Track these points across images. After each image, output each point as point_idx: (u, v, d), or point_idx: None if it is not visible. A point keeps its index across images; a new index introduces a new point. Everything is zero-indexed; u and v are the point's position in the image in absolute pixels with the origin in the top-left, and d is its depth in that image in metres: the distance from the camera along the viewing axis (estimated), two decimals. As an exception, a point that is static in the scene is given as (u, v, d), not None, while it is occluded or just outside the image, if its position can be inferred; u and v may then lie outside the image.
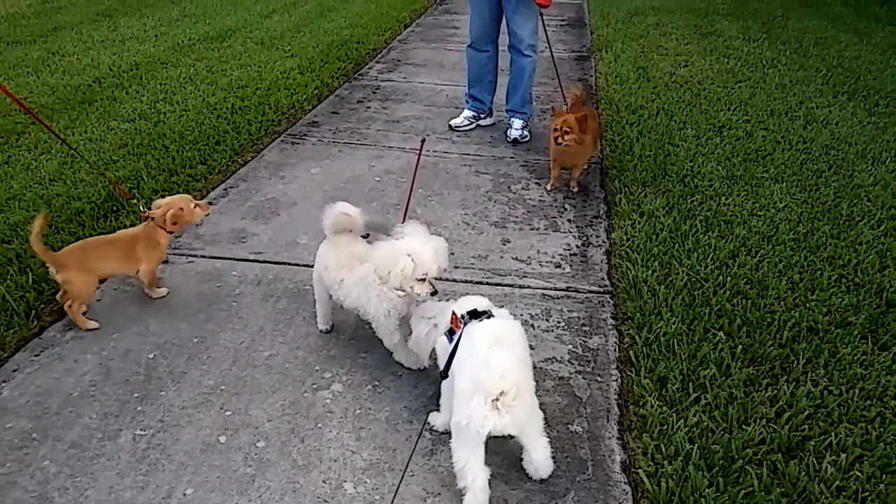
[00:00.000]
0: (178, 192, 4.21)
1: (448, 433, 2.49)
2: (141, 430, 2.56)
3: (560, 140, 4.21)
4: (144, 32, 8.06)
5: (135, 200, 3.36)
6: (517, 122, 5.35)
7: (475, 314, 2.39)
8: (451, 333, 2.44)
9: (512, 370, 2.13)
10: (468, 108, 5.59)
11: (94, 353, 2.93)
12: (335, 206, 2.89)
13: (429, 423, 2.60)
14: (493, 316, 2.40)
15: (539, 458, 2.32)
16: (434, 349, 2.58)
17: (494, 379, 2.08)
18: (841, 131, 5.47)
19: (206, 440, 2.51)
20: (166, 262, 3.60)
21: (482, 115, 5.60)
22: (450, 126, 5.55)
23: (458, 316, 2.40)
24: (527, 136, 5.35)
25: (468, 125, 5.56)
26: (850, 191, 4.46)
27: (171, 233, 3.19)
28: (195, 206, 3.26)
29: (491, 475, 2.26)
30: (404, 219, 2.88)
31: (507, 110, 5.46)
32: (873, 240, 3.86)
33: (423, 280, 2.58)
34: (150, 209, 3.19)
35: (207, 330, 3.10)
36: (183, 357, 2.93)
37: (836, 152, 5.07)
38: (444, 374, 2.41)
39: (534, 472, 2.37)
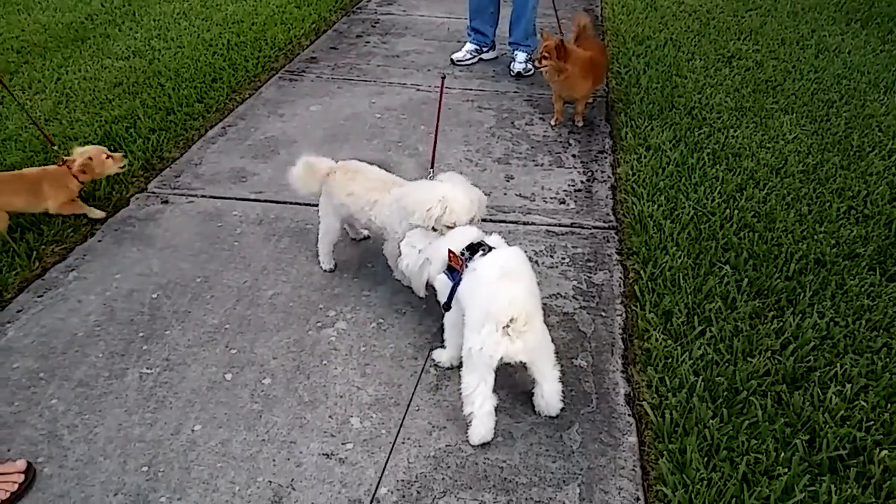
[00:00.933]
0: (175, 132, 4.16)
1: (453, 369, 2.51)
2: (147, 368, 2.57)
3: (537, 64, 4.17)
4: (135, -33, 7.80)
5: (55, 147, 3.47)
6: (521, 56, 5.20)
7: (473, 249, 2.37)
8: (450, 271, 2.42)
9: (521, 298, 2.16)
10: (470, 42, 5.43)
11: (97, 294, 2.93)
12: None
13: (433, 360, 2.60)
14: (489, 247, 2.39)
15: (550, 391, 2.33)
16: (428, 282, 2.59)
17: (504, 307, 2.11)
18: (853, 60, 5.32)
19: (212, 378, 2.53)
20: (166, 202, 3.56)
21: (485, 49, 5.44)
22: (451, 60, 5.40)
23: (458, 254, 2.37)
24: (531, 70, 5.20)
25: (470, 59, 5.41)
26: (862, 121, 4.36)
27: (82, 182, 3.29)
28: (107, 157, 3.34)
29: (497, 408, 2.28)
30: (433, 161, 2.91)
31: (510, 43, 5.30)
32: (884, 170, 3.78)
33: (452, 227, 2.54)
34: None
35: (210, 270, 3.08)
36: (186, 297, 2.92)
37: (847, 82, 4.94)
38: (447, 307, 2.40)
39: (544, 407, 2.37)
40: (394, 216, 2.77)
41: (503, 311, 2.12)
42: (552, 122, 4.46)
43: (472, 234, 2.48)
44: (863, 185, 3.63)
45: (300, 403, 2.43)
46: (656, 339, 2.63)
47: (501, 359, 2.17)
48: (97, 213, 3.37)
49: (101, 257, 3.15)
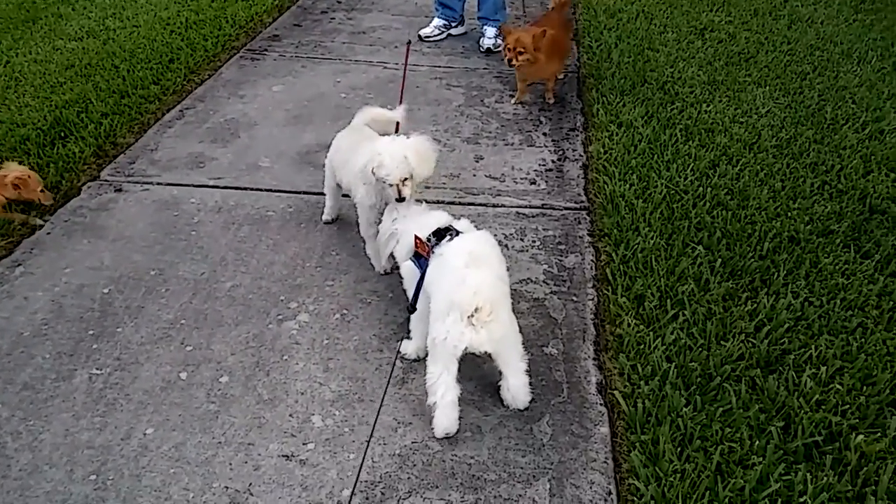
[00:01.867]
0: (130, 116, 3.99)
1: (420, 361, 2.41)
2: (97, 368, 2.44)
3: (514, 62, 3.96)
4: (90, -58, 7.49)
5: None
6: (490, 31, 5.06)
7: (440, 234, 2.29)
8: (416, 258, 2.33)
9: (486, 287, 2.10)
10: (438, 17, 5.26)
11: (45, 290, 2.78)
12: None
13: (400, 352, 2.51)
14: (456, 231, 2.33)
15: (516, 384, 2.25)
16: (392, 258, 2.56)
17: (468, 296, 2.05)
18: (826, 30, 5.25)
19: (166, 377, 2.41)
20: (119, 190, 3.40)
21: (453, 24, 5.29)
22: (419, 36, 5.24)
23: (424, 240, 2.27)
24: (500, 46, 5.04)
25: (439, 35, 5.25)
26: (835, 93, 4.29)
27: (7, 197, 3.11)
28: (41, 190, 3.20)
29: (465, 401, 2.21)
30: (397, 128, 2.90)
31: (478, 17, 5.15)
32: (857, 143, 3.73)
33: (393, 185, 2.52)
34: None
35: (165, 261, 2.95)
36: (140, 291, 2.79)
37: (820, 53, 4.87)
38: (412, 308, 2.32)
39: (511, 400, 2.29)
40: (355, 180, 2.74)
41: (467, 301, 2.05)
42: (513, 102, 4.34)
43: (440, 219, 2.42)
44: (836, 160, 3.57)
45: (259, 402, 2.32)
46: (628, 325, 2.55)
47: (466, 349, 2.10)
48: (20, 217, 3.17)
49: (50, 251, 3.00)
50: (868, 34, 5.17)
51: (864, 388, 2.28)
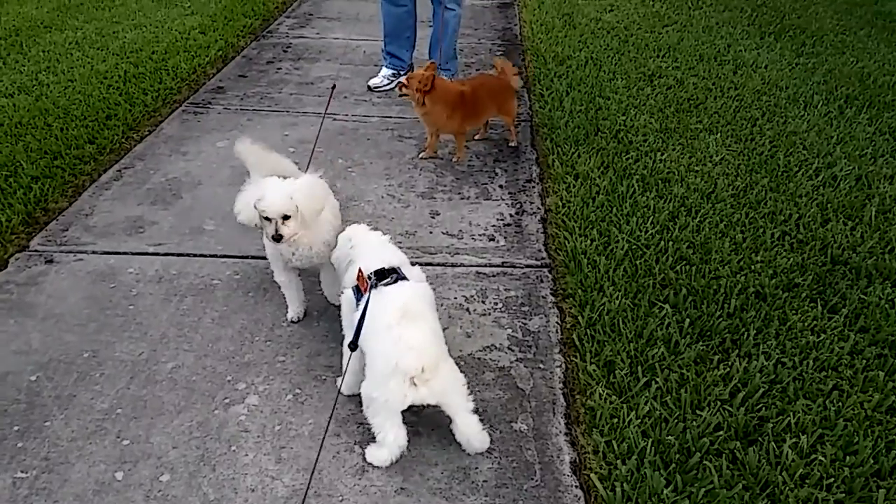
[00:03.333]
0: (63, 179, 3.76)
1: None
2: (22, 471, 2.19)
3: (398, 90, 4.00)
4: (24, -8, 7.23)
5: None
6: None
7: (382, 275, 2.26)
8: (357, 291, 2.30)
9: (427, 345, 2.12)
10: (386, 66, 5.18)
11: (-37, 381, 2.52)
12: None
13: (339, 388, 2.42)
14: (400, 276, 2.29)
15: (466, 424, 2.21)
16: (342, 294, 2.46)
17: (411, 360, 2.05)
18: (771, 75, 5.35)
19: (99, 478, 2.17)
20: (50, 261, 3.16)
21: (402, 73, 5.18)
22: (368, 86, 5.14)
23: (366, 276, 2.25)
24: None
25: (388, 84, 5.15)
26: (786, 138, 4.33)
27: None
28: None
29: (431, 490, 2.08)
30: (307, 166, 2.89)
31: None
32: (812, 191, 3.73)
33: (269, 220, 2.49)
34: None
35: (100, 341, 2.71)
36: (72, 377, 2.55)
37: (767, 98, 4.94)
38: (353, 346, 2.23)
39: (466, 445, 2.25)
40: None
41: (411, 364, 2.04)
42: (421, 156, 4.20)
43: (393, 258, 2.40)
44: (794, 208, 3.56)
45: (205, 503, 2.11)
46: (599, 396, 2.43)
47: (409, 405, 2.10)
48: None
49: (-29, 333, 2.74)
50: (811, 78, 5.28)
51: (847, 457, 2.19)
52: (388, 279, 2.26)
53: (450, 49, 4.94)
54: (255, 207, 2.52)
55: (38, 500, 2.10)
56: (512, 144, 4.32)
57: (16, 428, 2.34)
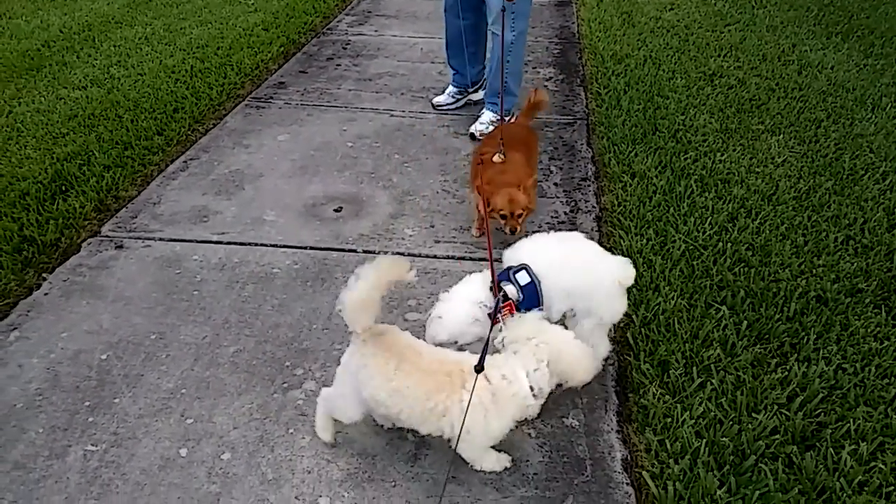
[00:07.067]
0: (133, 168, 3.91)
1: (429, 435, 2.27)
2: (92, 444, 2.30)
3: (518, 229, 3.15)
4: (97, -11, 7.52)
5: None
6: (484, 115, 4.44)
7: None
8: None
9: None
10: (452, 84, 4.79)
11: (40, 357, 2.66)
12: None
13: None
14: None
15: None
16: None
17: None
18: (837, 76, 5.20)
19: (164, 454, 2.27)
20: (120, 246, 3.30)
21: (469, 90, 4.82)
22: (432, 104, 4.83)
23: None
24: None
25: (453, 103, 4.78)
26: (852, 141, 4.21)
27: None
28: None
29: (483, 481, 2.10)
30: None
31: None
32: (879, 195, 3.63)
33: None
34: None
35: (166, 324, 2.83)
36: (139, 357, 2.66)
37: (833, 99, 4.81)
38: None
39: None
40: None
41: None
42: (474, 233, 3.47)
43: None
44: (859, 213, 3.47)
45: (263, 482, 2.18)
46: (653, 395, 2.42)
47: None
48: None
49: (47, 313, 2.88)
50: (880, 80, 5.11)
51: (909, 466, 2.14)
52: None
53: (496, 81, 4.16)
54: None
55: (106, 472, 2.21)
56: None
57: (87, 403, 2.46)
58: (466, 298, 2.33)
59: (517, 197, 3.08)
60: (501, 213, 3.10)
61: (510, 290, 2.35)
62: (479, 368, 1.96)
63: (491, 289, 2.35)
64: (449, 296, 2.37)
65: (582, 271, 2.37)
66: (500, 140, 3.37)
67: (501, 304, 2.28)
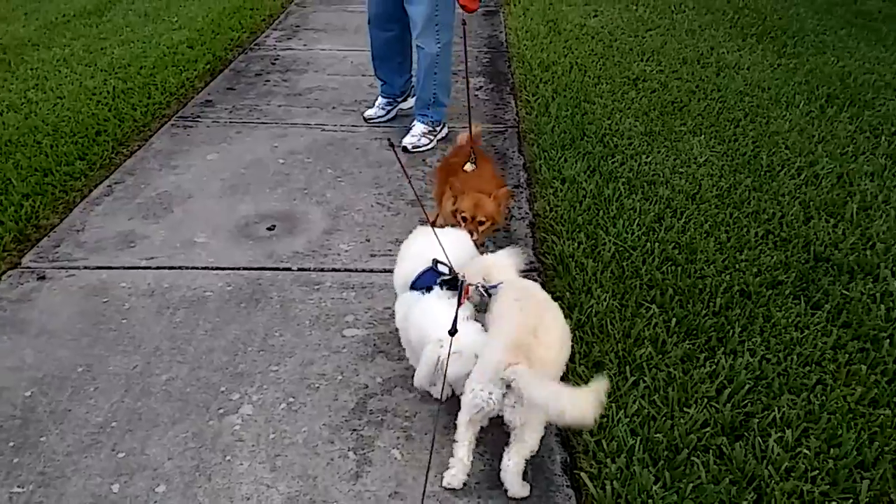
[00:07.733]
0: (54, 195, 3.78)
1: (374, 451, 2.27)
2: (18, 486, 2.21)
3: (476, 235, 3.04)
4: (12, 11, 7.25)
5: None
6: (415, 127, 4.43)
7: None
8: None
9: None
10: (381, 95, 4.80)
11: (-41, 398, 2.54)
12: None
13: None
14: None
15: None
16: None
17: None
18: (753, 76, 5.42)
19: (95, 491, 2.19)
20: (42, 277, 3.18)
21: (399, 99, 4.84)
22: (364, 118, 4.82)
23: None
24: (427, 145, 4.43)
25: (384, 115, 4.80)
26: (768, 139, 4.40)
27: None
28: None
29: (427, 495, 2.06)
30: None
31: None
32: (795, 189, 3.79)
33: None
34: None
35: (94, 356, 2.74)
36: (66, 391, 2.57)
37: (750, 99, 5.01)
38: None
39: None
40: None
41: None
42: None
43: None
44: (777, 207, 3.62)
45: (201, 513, 2.13)
46: (589, 396, 2.46)
47: None
48: None
49: (-35, 351, 2.76)
50: (793, 78, 5.36)
51: (831, 450, 2.23)
52: None
53: (428, 93, 4.32)
54: None
55: (35, 514, 2.13)
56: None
57: (11, 444, 2.36)
58: (463, 318, 2.27)
59: (485, 203, 3.03)
60: (463, 215, 3.05)
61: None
62: (452, 332, 2.13)
63: (452, 295, 2.39)
64: (437, 327, 2.24)
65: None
66: (471, 150, 3.41)
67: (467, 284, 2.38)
